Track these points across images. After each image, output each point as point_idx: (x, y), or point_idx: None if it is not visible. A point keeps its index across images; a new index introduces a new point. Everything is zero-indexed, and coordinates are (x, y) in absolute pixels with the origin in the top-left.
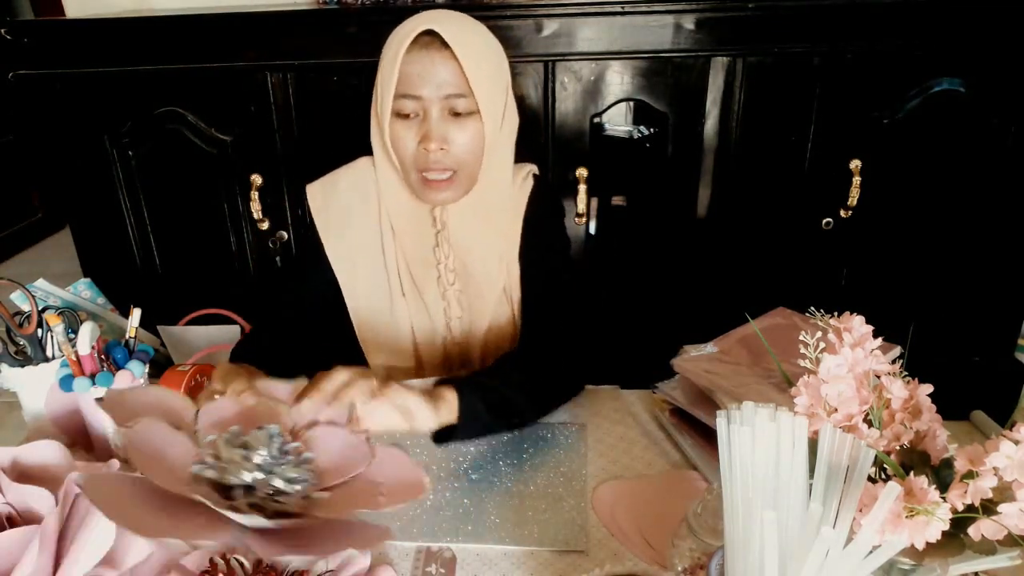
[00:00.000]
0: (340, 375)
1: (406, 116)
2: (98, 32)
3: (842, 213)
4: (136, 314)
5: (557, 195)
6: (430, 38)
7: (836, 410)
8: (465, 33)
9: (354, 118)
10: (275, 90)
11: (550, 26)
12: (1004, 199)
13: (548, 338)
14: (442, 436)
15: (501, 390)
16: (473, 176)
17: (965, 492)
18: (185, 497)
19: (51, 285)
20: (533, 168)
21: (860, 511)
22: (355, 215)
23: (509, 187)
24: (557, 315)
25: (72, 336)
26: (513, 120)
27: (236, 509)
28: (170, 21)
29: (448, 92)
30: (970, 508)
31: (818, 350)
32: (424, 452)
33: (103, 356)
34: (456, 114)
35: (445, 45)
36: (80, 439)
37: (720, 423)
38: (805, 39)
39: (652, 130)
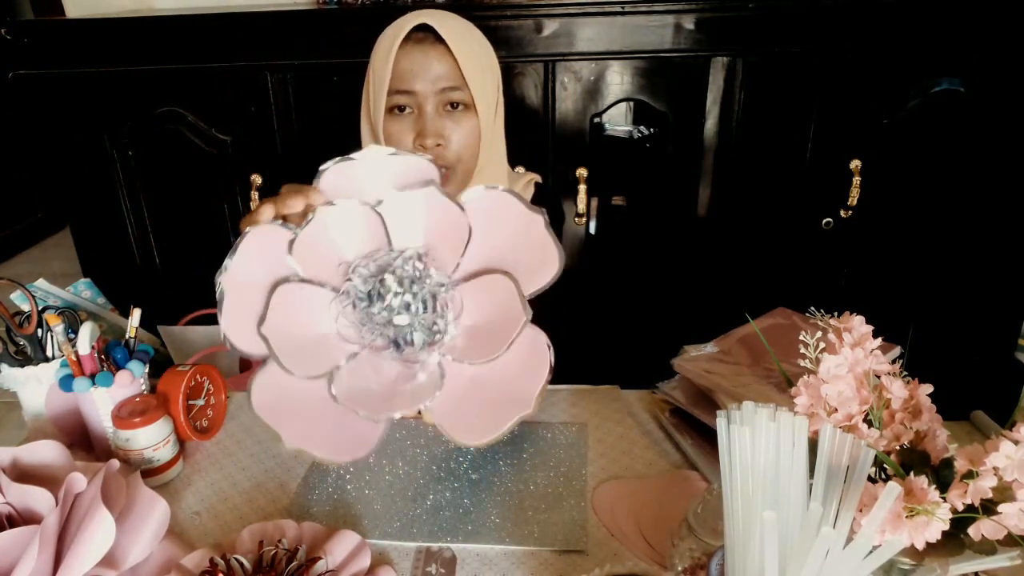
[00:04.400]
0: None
1: (400, 113)
2: (98, 32)
3: (842, 213)
4: (136, 314)
5: (557, 204)
6: (423, 34)
7: (836, 410)
8: (458, 28)
9: (354, 118)
10: (275, 90)
11: (550, 26)
12: (1004, 199)
13: None
14: None
15: None
16: (469, 171)
17: (965, 492)
18: None
19: (51, 285)
20: (536, 177)
21: (860, 511)
22: None
23: (504, 183)
24: None
25: (72, 336)
26: (503, 117)
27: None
28: (170, 21)
29: (443, 85)
30: (970, 508)
31: (818, 350)
32: (424, 452)
33: (103, 356)
34: (451, 108)
35: (438, 40)
36: (80, 439)
37: (720, 423)
38: (805, 39)
39: (652, 130)
